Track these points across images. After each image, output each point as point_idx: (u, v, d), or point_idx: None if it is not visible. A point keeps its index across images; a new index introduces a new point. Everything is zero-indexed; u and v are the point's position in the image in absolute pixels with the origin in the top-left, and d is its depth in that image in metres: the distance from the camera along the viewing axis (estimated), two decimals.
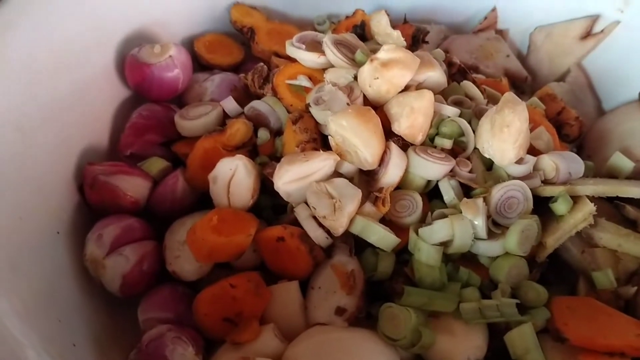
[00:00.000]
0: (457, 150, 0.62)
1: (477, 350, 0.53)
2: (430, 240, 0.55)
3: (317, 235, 0.57)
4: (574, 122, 0.69)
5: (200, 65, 0.77)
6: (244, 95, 0.70)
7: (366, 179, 0.61)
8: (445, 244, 0.56)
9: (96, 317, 0.59)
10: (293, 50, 0.66)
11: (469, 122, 0.62)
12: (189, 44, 0.77)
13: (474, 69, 0.76)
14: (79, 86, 0.66)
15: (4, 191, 0.54)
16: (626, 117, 0.69)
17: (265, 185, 0.62)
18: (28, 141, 0.58)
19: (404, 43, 0.66)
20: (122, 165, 0.63)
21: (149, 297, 0.59)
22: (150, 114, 0.69)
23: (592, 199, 0.58)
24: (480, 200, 0.56)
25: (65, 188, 0.63)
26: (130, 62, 0.69)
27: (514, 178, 0.59)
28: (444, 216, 0.57)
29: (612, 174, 0.66)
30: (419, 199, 0.58)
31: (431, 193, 0.61)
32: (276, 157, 0.64)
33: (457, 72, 0.69)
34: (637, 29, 0.70)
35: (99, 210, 0.62)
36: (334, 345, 0.52)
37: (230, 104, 0.67)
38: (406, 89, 0.62)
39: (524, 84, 0.77)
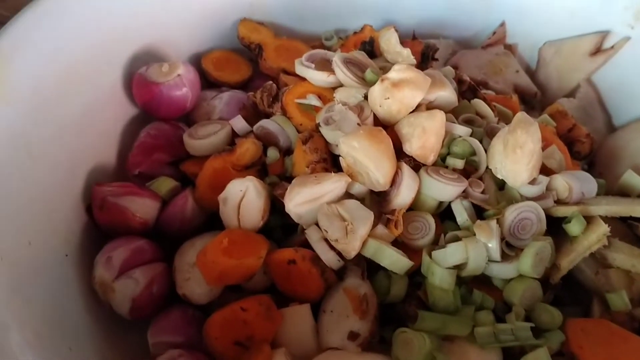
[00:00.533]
0: (469, 170, 0.61)
1: None
2: (444, 263, 0.55)
3: (328, 258, 0.56)
4: (585, 139, 0.68)
5: (208, 82, 0.76)
6: (253, 114, 0.69)
7: (378, 200, 0.60)
8: (458, 267, 0.56)
9: (106, 341, 0.58)
10: (302, 69, 0.66)
11: (481, 141, 0.61)
12: (197, 61, 0.76)
13: (483, 85, 0.76)
14: (87, 107, 0.66)
15: (13, 216, 0.54)
16: (637, 134, 0.69)
17: (275, 206, 0.62)
18: (37, 164, 0.58)
19: (414, 61, 0.66)
20: (131, 186, 0.63)
21: (159, 321, 0.58)
22: (158, 133, 0.68)
23: (606, 218, 0.58)
24: (493, 223, 0.56)
25: (74, 210, 0.63)
26: (138, 81, 0.69)
27: (527, 199, 0.59)
28: (457, 238, 0.56)
29: (624, 192, 0.65)
30: (431, 220, 0.58)
31: (443, 214, 0.60)
32: (286, 177, 0.64)
33: (467, 90, 0.69)
34: None
35: (108, 232, 0.62)
36: None
37: (239, 123, 0.67)
38: (417, 108, 0.61)
39: (534, 99, 0.77)
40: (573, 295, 0.61)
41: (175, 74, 0.68)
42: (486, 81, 0.75)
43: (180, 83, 0.68)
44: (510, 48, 0.80)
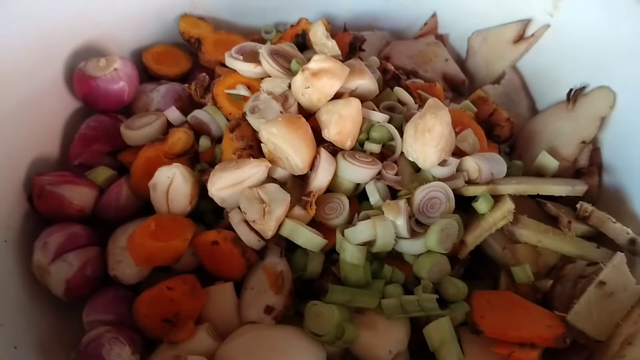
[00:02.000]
0: (387, 154, 0.64)
1: (398, 344, 0.56)
2: (354, 240, 0.58)
3: (249, 238, 0.59)
4: (505, 123, 0.71)
5: (148, 75, 0.79)
6: (189, 105, 0.72)
7: (300, 183, 0.63)
8: (369, 244, 0.59)
9: (44, 321, 0.61)
10: (231, 61, 0.69)
11: (400, 127, 0.64)
12: (139, 56, 0.79)
13: (413, 74, 0.79)
14: (28, 99, 0.68)
15: None
16: (554, 118, 0.72)
17: (206, 191, 0.65)
18: None
19: (339, 52, 0.69)
20: (69, 176, 0.66)
21: (93, 300, 0.61)
22: (97, 125, 0.71)
23: (515, 197, 0.61)
24: (402, 202, 0.59)
25: (15, 198, 0.66)
26: (78, 75, 0.72)
27: (438, 179, 0.62)
28: (369, 217, 0.59)
29: (540, 173, 0.68)
30: (346, 201, 0.61)
31: (362, 195, 0.63)
32: (215, 164, 0.67)
33: (391, 78, 0.72)
34: (566, 32, 0.73)
35: (48, 219, 0.65)
36: (262, 342, 0.55)
37: (173, 114, 0.70)
38: (338, 96, 0.64)
39: (462, 86, 0.80)
40: (485, 270, 0.64)
41: (112, 68, 0.71)
42: (416, 70, 0.78)
43: (117, 77, 0.71)
44: (441, 38, 0.83)
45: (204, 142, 0.68)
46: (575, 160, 0.69)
